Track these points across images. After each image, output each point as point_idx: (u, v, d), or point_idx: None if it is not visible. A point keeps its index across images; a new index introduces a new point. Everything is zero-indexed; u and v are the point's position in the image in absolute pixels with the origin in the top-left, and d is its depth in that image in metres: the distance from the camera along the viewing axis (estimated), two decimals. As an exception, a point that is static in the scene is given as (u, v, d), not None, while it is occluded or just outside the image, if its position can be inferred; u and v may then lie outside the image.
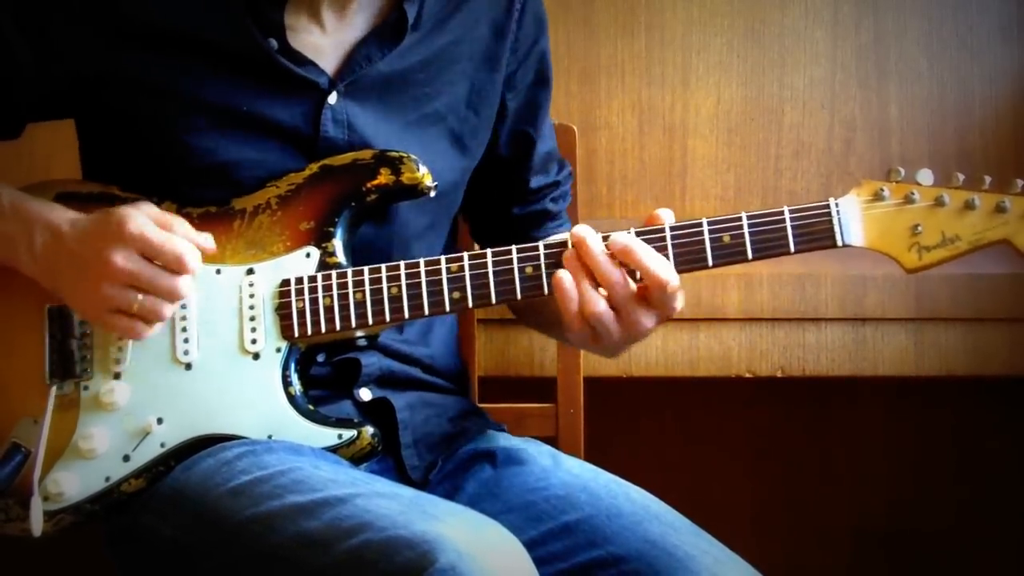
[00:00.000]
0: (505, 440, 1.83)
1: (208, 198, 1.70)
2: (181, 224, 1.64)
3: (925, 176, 1.60)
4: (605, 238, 1.60)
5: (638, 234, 1.61)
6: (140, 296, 1.60)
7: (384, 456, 1.72)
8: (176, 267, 1.60)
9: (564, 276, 1.59)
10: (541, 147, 1.94)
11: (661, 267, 1.58)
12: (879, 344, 2.38)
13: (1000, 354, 2.36)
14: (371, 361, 1.75)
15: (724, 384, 2.41)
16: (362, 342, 1.70)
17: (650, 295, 1.59)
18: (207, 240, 1.65)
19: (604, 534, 1.62)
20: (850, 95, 2.53)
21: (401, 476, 1.75)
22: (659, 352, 2.35)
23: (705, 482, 2.76)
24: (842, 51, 2.53)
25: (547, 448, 1.82)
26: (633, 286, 1.59)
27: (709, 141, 2.53)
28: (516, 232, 1.90)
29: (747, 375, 2.38)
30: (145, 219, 1.61)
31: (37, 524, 1.60)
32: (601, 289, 1.59)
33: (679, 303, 1.61)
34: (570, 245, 1.61)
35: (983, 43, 2.53)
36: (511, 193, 1.92)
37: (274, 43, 1.68)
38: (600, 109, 2.53)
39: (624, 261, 1.58)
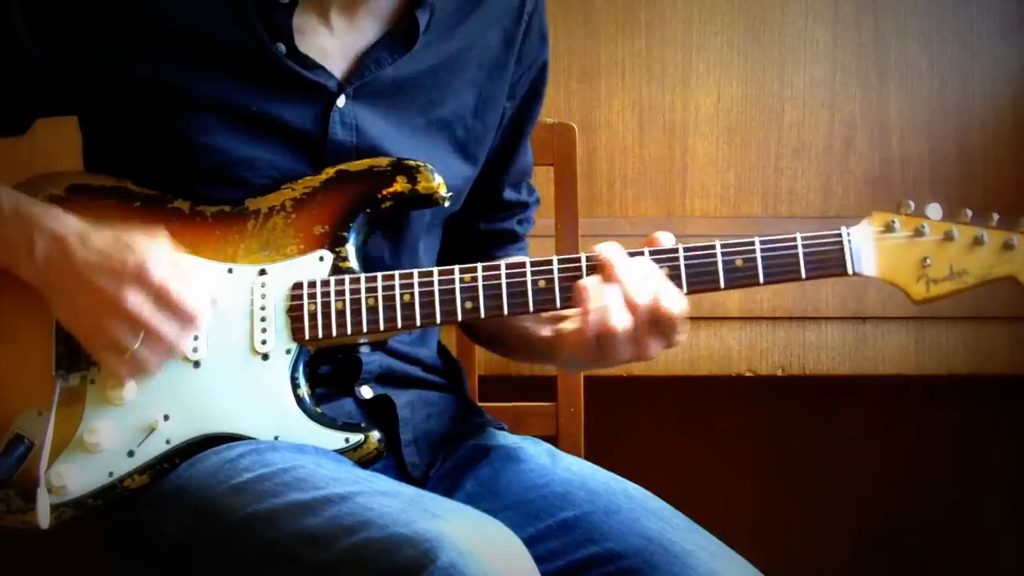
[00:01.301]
0: (504, 438, 1.83)
1: (217, 197, 1.70)
2: (196, 275, 1.63)
3: (934, 211, 1.63)
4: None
5: (651, 254, 1.62)
6: (137, 344, 1.59)
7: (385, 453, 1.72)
8: (186, 321, 1.60)
9: (590, 284, 1.59)
10: (522, 159, 1.94)
11: (670, 296, 1.58)
12: (880, 343, 2.38)
13: (1001, 353, 2.37)
14: (372, 359, 1.75)
15: (724, 383, 2.41)
16: (366, 349, 1.70)
17: (659, 323, 1.58)
18: (222, 296, 1.65)
19: (602, 530, 1.63)
20: (850, 94, 2.54)
21: (401, 474, 1.75)
22: (659, 351, 2.35)
23: (705, 481, 2.76)
24: (842, 50, 2.54)
25: (545, 446, 1.82)
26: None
27: (709, 140, 2.53)
28: (478, 248, 1.91)
29: (747, 374, 2.38)
30: (166, 266, 1.60)
31: (44, 516, 1.60)
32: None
33: (683, 336, 1.61)
34: (583, 265, 1.62)
35: (983, 42, 2.53)
36: (482, 204, 1.91)
37: (282, 47, 1.68)
38: (600, 108, 2.53)
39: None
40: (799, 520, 2.81)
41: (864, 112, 2.54)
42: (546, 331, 1.73)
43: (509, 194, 1.94)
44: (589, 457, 1.84)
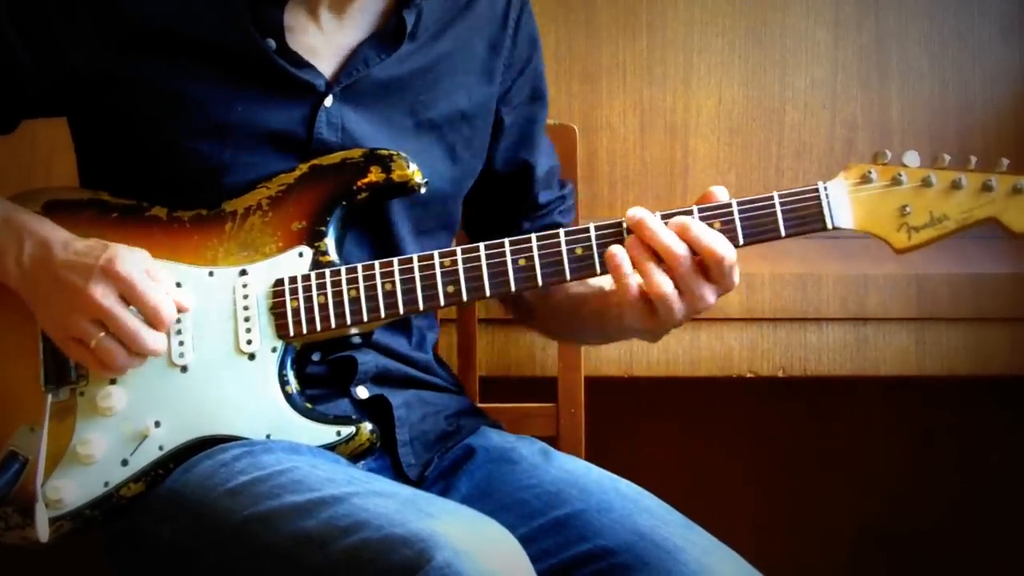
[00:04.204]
0: (499, 438, 1.84)
1: (199, 200, 1.70)
2: (168, 281, 1.64)
3: (911, 158, 1.62)
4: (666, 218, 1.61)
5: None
6: (101, 335, 1.60)
7: (381, 454, 1.73)
8: (151, 317, 1.61)
9: (617, 251, 1.59)
10: (543, 163, 1.95)
11: (718, 242, 1.58)
12: (880, 344, 2.38)
13: (1001, 354, 2.36)
14: (367, 359, 1.75)
15: (725, 384, 2.41)
16: (356, 340, 1.70)
17: (709, 270, 1.59)
18: (187, 300, 1.66)
19: (594, 528, 1.63)
20: (851, 95, 2.54)
21: (398, 474, 1.75)
22: (660, 352, 2.35)
23: (706, 482, 2.76)
24: (843, 51, 2.54)
25: (540, 445, 1.82)
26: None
27: (710, 141, 2.54)
28: None
29: (748, 375, 2.38)
30: (136, 264, 1.61)
31: (43, 530, 1.60)
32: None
33: (736, 277, 1.61)
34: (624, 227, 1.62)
35: (984, 43, 2.53)
36: (520, 209, 1.93)
37: (272, 43, 1.69)
38: (601, 109, 2.53)
39: (681, 239, 1.59)
40: (799, 520, 2.81)
41: (865, 113, 2.54)
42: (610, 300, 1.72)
43: (544, 196, 1.95)
44: (590, 458, 1.84)
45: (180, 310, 1.64)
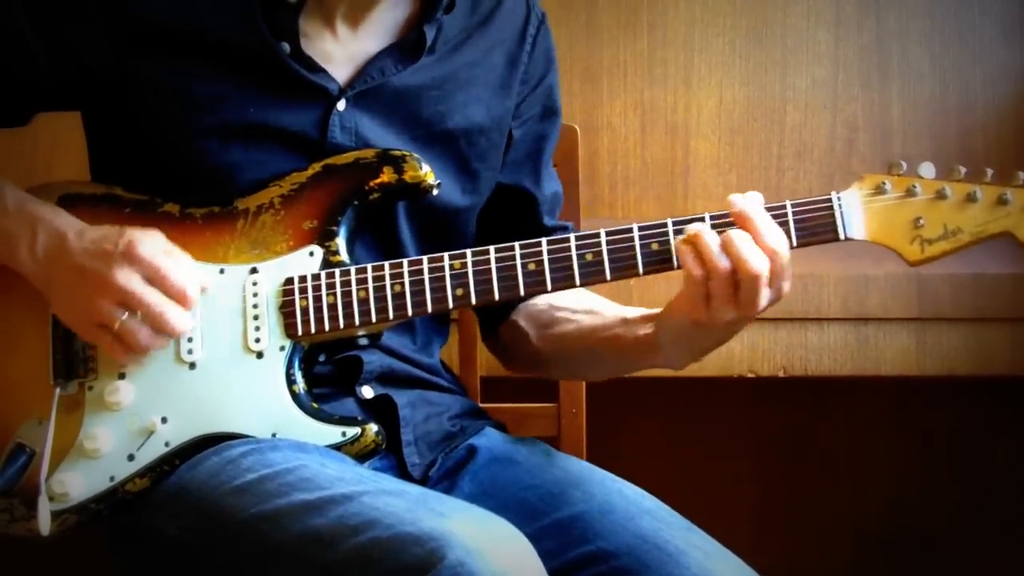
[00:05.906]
0: (502, 438, 1.84)
1: (210, 197, 1.70)
2: (187, 260, 1.64)
3: (927, 169, 1.60)
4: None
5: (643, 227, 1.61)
6: (125, 315, 1.60)
7: (386, 454, 1.72)
8: (177, 296, 1.61)
9: (707, 234, 1.55)
10: (552, 184, 1.94)
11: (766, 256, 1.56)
12: (881, 344, 2.38)
13: (1002, 354, 2.37)
14: (372, 359, 1.74)
15: (726, 384, 2.41)
16: (364, 341, 1.70)
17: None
18: (205, 279, 1.65)
19: (596, 530, 1.63)
20: (852, 95, 2.54)
21: (402, 474, 1.74)
22: (661, 352, 2.35)
23: (707, 482, 2.76)
24: (844, 51, 2.54)
25: (543, 445, 1.82)
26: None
27: (711, 141, 2.54)
28: None
29: (749, 375, 2.38)
30: (156, 245, 1.61)
31: (45, 523, 1.60)
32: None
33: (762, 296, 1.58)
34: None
35: (985, 44, 2.54)
36: (526, 232, 1.90)
37: (286, 47, 1.69)
38: (602, 109, 2.53)
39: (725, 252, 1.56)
40: (799, 520, 2.81)
41: (866, 114, 2.54)
42: (644, 328, 1.70)
43: (549, 221, 1.93)
44: (591, 458, 1.84)
45: (202, 289, 1.64)
